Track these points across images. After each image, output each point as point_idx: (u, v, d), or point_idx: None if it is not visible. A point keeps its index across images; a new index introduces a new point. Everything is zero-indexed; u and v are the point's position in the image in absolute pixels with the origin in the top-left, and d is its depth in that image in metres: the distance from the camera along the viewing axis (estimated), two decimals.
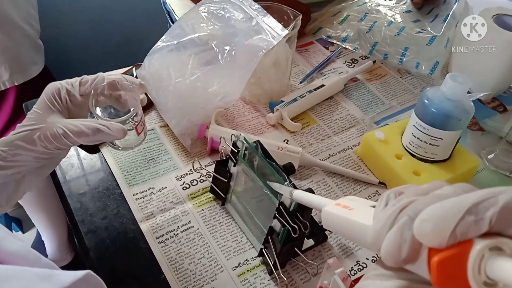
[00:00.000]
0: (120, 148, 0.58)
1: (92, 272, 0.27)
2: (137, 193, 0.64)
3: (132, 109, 0.54)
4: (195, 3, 0.76)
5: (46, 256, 1.41)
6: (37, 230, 1.45)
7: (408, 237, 0.24)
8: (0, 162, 0.45)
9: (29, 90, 1.07)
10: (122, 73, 0.83)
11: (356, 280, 0.46)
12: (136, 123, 0.55)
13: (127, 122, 0.54)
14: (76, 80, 0.49)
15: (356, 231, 0.30)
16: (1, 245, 0.27)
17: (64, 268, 1.40)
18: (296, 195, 0.47)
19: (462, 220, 0.22)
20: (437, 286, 0.23)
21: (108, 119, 0.52)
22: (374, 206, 0.30)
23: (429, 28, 0.87)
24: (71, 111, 0.50)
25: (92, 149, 0.71)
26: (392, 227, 0.25)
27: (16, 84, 1.04)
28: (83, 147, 0.71)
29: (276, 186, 0.52)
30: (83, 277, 0.25)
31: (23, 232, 1.58)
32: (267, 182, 0.54)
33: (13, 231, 1.54)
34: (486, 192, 0.22)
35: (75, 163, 0.69)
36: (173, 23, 1.12)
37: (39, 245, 1.46)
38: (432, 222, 0.23)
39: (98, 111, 0.53)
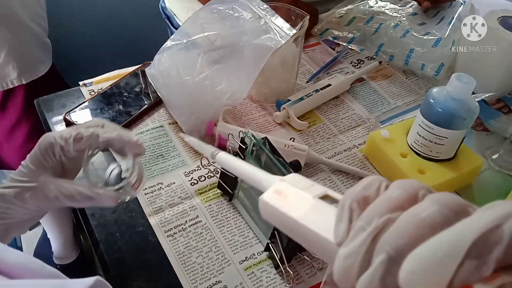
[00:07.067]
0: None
1: (101, 278, 0.27)
2: (146, 188, 0.65)
3: (128, 173, 0.49)
4: (204, 4, 0.77)
5: (51, 253, 1.42)
6: (43, 228, 1.46)
7: (390, 285, 0.19)
8: None
9: (38, 89, 1.08)
10: (131, 72, 0.84)
11: None
12: (132, 183, 0.50)
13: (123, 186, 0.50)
14: (70, 136, 0.46)
15: (310, 240, 0.25)
16: (2, 257, 0.27)
17: (70, 265, 1.41)
18: (221, 159, 0.40)
19: (461, 267, 0.18)
20: None
21: (100, 185, 0.48)
22: (323, 197, 0.27)
23: (434, 31, 0.88)
24: (65, 165, 0.48)
25: None
26: (365, 266, 0.20)
27: (24, 82, 1.06)
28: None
29: (194, 141, 0.48)
30: (93, 284, 0.26)
31: (29, 229, 1.59)
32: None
33: None
34: (487, 220, 0.18)
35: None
36: (174, 27, 1.13)
37: (44, 243, 1.47)
38: (424, 275, 0.18)
39: (91, 168, 0.49)
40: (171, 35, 1.18)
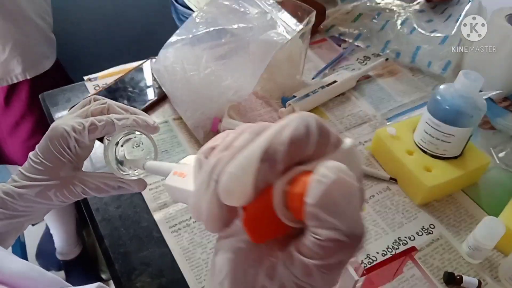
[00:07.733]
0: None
1: (102, 284, 0.27)
2: (150, 184, 0.65)
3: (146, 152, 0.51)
4: None
5: (54, 249, 1.43)
6: (46, 223, 1.46)
7: (222, 203, 0.23)
8: (13, 213, 0.44)
9: (42, 84, 1.08)
10: (136, 67, 0.83)
11: (368, 270, 0.47)
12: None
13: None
14: (84, 128, 0.45)
15: (187, 200, 0.29)
16: (2, 266, 0.27)
17: (73, 261, 1.42)
18: (149, 167, 0.44)
19: (258, 172, 0.22)
20: (256, 241, 0.23)
21: (124, 171, 0.49)
22: None
23: (441, 28, 0.88)
24: (79, 154, 0.47)
25: None
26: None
27: (28, 77, 1.06)
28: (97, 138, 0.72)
29: (156, 165, 0.48)
30: None
31: (33, 225, 1.59)
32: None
33: None
34: (272, 131, 0.22)
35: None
36: (179, 4, 1.13)
37: (47, 238, 1.47)
38: (232, 184, 0.22)
39: (111, 156, 0.49)
40: (175, 15, 1.19)
